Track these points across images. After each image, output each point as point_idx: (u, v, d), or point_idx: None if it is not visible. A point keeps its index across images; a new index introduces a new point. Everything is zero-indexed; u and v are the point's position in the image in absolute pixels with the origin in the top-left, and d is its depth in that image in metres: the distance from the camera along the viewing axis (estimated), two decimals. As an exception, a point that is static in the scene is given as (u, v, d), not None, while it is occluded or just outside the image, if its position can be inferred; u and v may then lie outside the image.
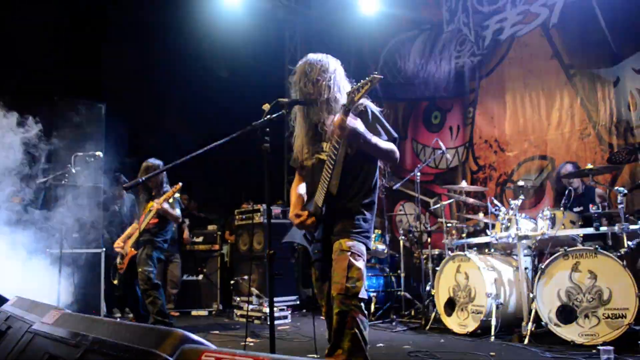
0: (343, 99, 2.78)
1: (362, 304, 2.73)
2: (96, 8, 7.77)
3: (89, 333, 1.52)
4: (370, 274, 6.87)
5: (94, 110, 6.89)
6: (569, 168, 5.72)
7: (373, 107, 2.99)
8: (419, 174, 6.33)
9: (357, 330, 2.66)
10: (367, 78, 2.60)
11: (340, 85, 2.94)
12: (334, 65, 2.98)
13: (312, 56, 3.01)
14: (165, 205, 5.37)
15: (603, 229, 4.63)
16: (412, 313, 6.49)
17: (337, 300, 2.70)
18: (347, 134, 2.66)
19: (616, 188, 4.64)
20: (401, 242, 6.95)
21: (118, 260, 5.73)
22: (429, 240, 6.27)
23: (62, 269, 5.54)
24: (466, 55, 7.97)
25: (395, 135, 2.95)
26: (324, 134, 2.92)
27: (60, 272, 5.49)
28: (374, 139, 2.80)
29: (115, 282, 5.82)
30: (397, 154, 2.92)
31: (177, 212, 5.60)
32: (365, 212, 2.93)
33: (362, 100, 2.91)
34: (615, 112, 6.22)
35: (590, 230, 4.71)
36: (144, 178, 2.54)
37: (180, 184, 5.42)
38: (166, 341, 1.18)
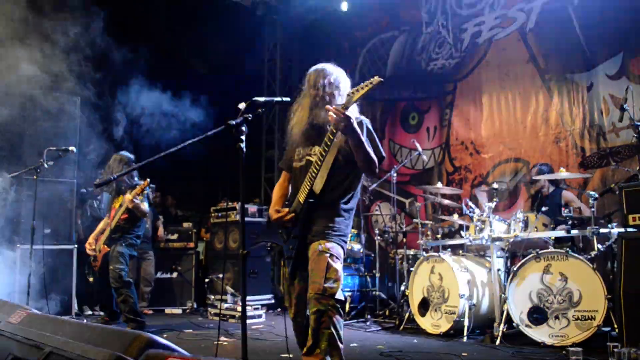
0: (342, 100, 2.86)
1: (339, 305, 2.76)
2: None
3: (54, 334, 1.49)
4: (345, 274, 6.87)
5: (68, 104, 6.77)
6: (543, 169, 5.79)
7: (369, 125, 3.07)
8: (395, 174, 6.36)
9: (333, 330, 2.69)
10: (368, 80, 2.71)
11: (342, 90, 3.04)
12: (338, 73, 3.11)
13: (324, 64, 3.14)
14: (136, 201, 5.30)
15: (574, 232, 4.71)
16: (387, 313, 6.52)
17: (314, 300, 2.72)
18: (343, 121, 2.71)
19: (587, 192, 4.72)
20: (377, 242, 6.97)
21: (92, 258, 5.64)
22: (404, 240, 6.30)
23: (32, 265, 5.44)
24: (444, 57, 8.03)
25: (384, 155, 3.05)
26: (319, 135, 2.98)
27: (30, 268, 5.39)
28: (365, 141, 2.86)
29: (91, 279, 5.74)
30: (378, 169, 3.00)
31: (146, 207, 5.53)
32: (345, 217, 2.98)
33: (360, 116, 3.05)
34: (588, 117, 6.33)
35: (561, 233, 4.79)
36: (116, 175, 2.52)
37: (148, 180, 5.35)
38: (132, 345, 1.16)
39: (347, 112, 2.72)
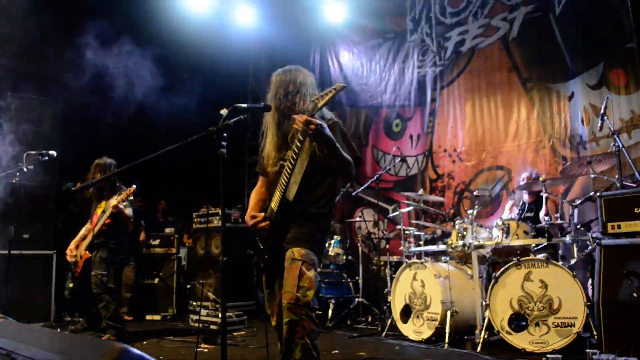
0: (309, 107, 2.77)
1: (313, 314, 2.72)
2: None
3: (27, 343, 1.46)
4: (328, 280, 6.87)
5: (50, 107, 6.69)
6: (532, 175, 5.84)
7: (342, 125, 3.00)
8: (378, 181, 6.38)
9: (307, 340, 2.64)
10: (332, 86, 2.65)
11: (306, 94, 2.94)
12: (307, 78, 3.02)
13: (288, 68, 3.05)
14: (120, 206, 5.22)
15: (554, 239, 4.76)
16: (369, 319, 6.52)
17: (287, 310, 2.67)
18: (312, 130, 2.63)
19: (567, 200, 4.78)
20: (360, 248, 6.98)
21: (72, 264, 5.56)
22: (387, 246, 6.32)
23: (10, 271, 5.35)
24: (428, 65, 8.09)
25: (359, 155, 2.97)
26: (292, 141, 2.89)
27: (8, 274, 5.30)
28: (338, 145, 2.77)
29: (71, 285, 5.66)
30: (354, 170, 2.91)
31: (130, 212, 5.46)
32: (320, 223, 2.92)
33: (331, 116, 2.98)
34: (569, 126, 6.41)
35: (542, 241, 4.83)
36: (94, 181, 2.49)
37: (134, 186, 5.30)
38: (105, 355, 1.14)
39: (313, 119, 2.63)
